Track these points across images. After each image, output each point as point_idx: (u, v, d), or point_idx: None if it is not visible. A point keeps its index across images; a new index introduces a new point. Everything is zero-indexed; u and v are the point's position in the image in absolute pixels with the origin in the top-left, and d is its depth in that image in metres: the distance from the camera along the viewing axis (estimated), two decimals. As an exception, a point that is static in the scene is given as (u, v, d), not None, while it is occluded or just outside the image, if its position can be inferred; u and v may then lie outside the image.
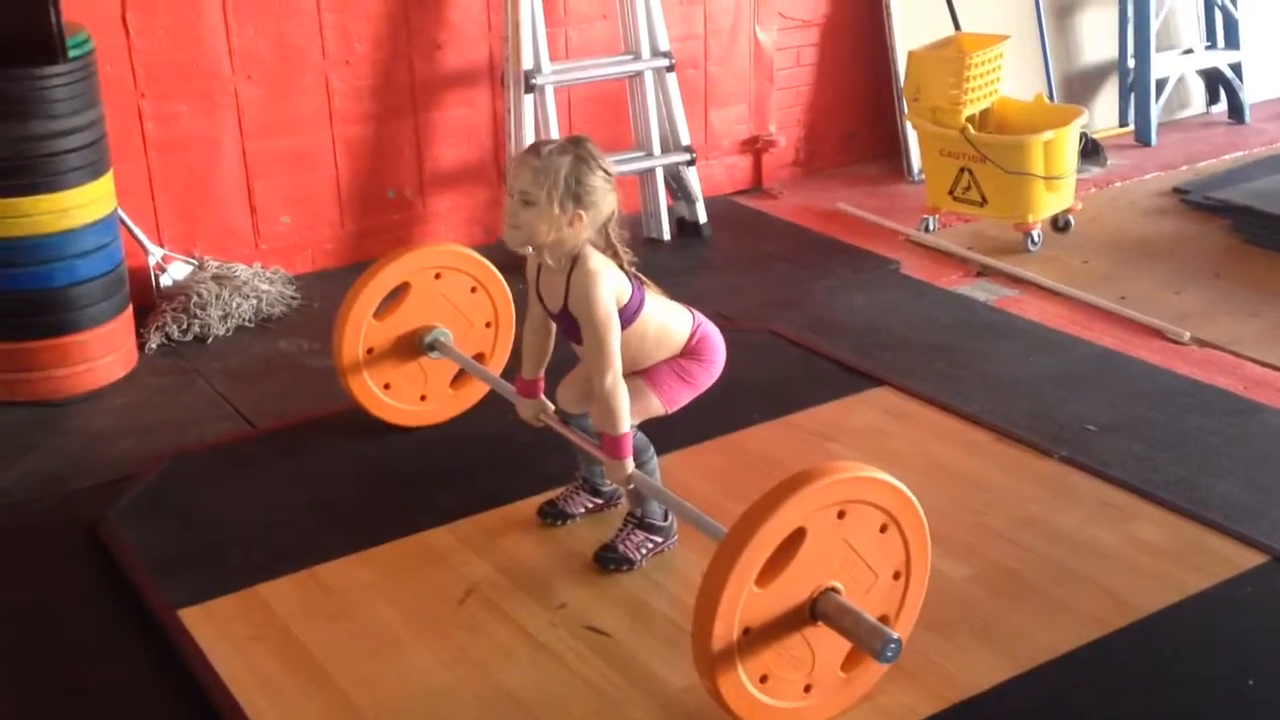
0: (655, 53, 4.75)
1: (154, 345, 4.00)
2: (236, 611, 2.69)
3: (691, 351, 2.77)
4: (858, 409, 3.50)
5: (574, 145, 2.60)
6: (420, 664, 2.53)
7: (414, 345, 3.33)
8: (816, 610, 2.25)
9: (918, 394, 3.54)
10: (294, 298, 4.32)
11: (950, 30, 5.10)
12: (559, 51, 4.79)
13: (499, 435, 3.29)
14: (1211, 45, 6.26)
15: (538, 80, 4.52)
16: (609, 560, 2.79)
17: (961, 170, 4.75)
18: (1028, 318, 4.19)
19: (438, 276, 3.32)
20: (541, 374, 2.89)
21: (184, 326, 4.05)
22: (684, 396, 2.78)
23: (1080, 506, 3.03)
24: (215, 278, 4.20)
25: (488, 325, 3.43)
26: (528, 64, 4.51)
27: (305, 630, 2.63)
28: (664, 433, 2.94)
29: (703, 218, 4.92)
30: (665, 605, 2.71)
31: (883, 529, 2.31)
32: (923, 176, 5.10)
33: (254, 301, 4.19)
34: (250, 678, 2.50)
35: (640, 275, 2.74)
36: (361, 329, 3.26)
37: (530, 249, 2.68)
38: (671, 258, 4.71)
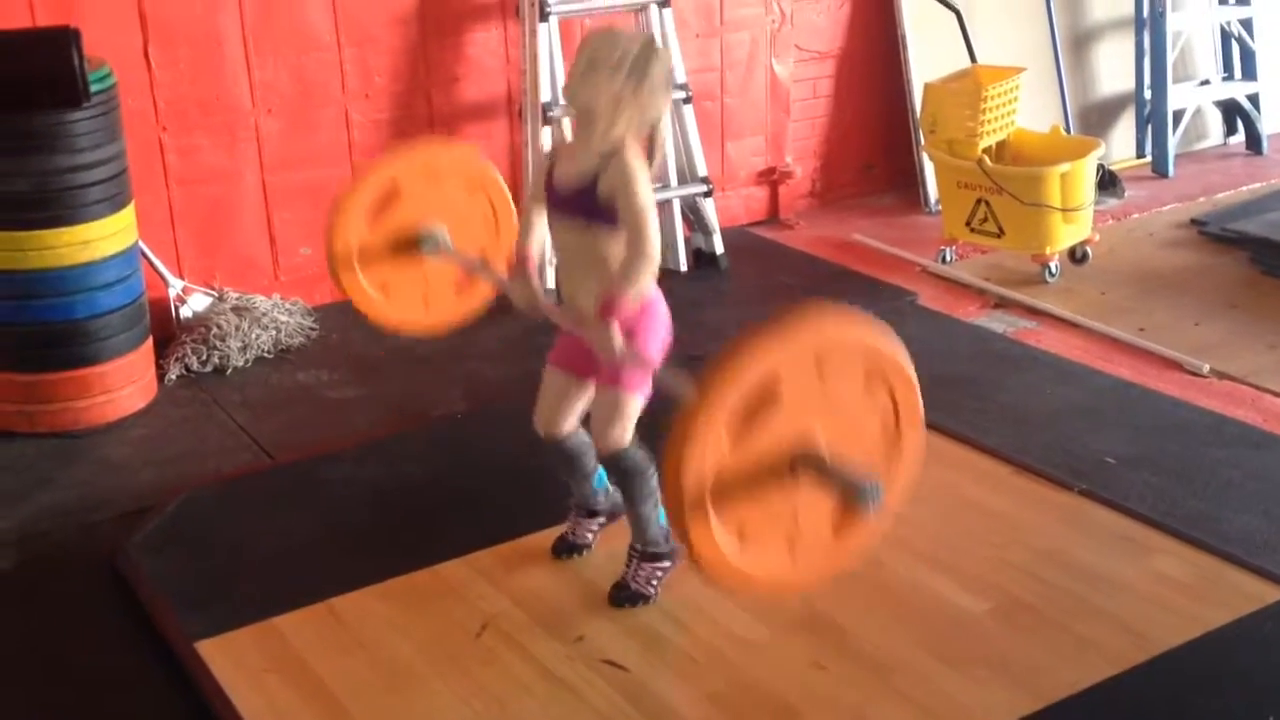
0: (672, 85, 4.77)
1: (174, 376, 4.01)
2: (253, 643, 2.69)
3: (643, 319, 2.66)
4: (875, 441, 3.48)
5: (650, 39, 2.66)
6: (436, 697, 2.53)
7: (411, 246, 3.13)
8: (797, 464, 2.16)
9: (935, 426, 3.48)
10: (313, 329, 4.34)
11: (966, 62, 5.11)
12: (576, 84, 4.80)
13: (515, 467, 3.29)
14: (1229, 76, 6.26)
15: (555, 112, 4.54)
16: (625, 600, 2.78)
17: (978, 202, 4.75)
18: (1045, 349, 4.18)
19: (432, 175, 3.17)
20: (535, 252, 2.82)
21: (203, 358, 4.07)
22: (648, 380, 2.67)
23: (1099, 540, 3.02)
24: (235, 309, 4.23)
25: (486, 224, 3.25)
26: (545, 96, 4.53)
27: (321, 663, 2.63)
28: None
29: (719, 249, 4.93)
30: (681, 638, 2.70)
31: (867, 383, 2.21)
32: (939, 208, 5.10)
33: (273, 333, 4.21)
34: (267, 710, 2.50)
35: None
36: (354, 228, 3.07)
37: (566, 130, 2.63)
38: (689, 289, 4.71)
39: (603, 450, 2.72)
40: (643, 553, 2.80)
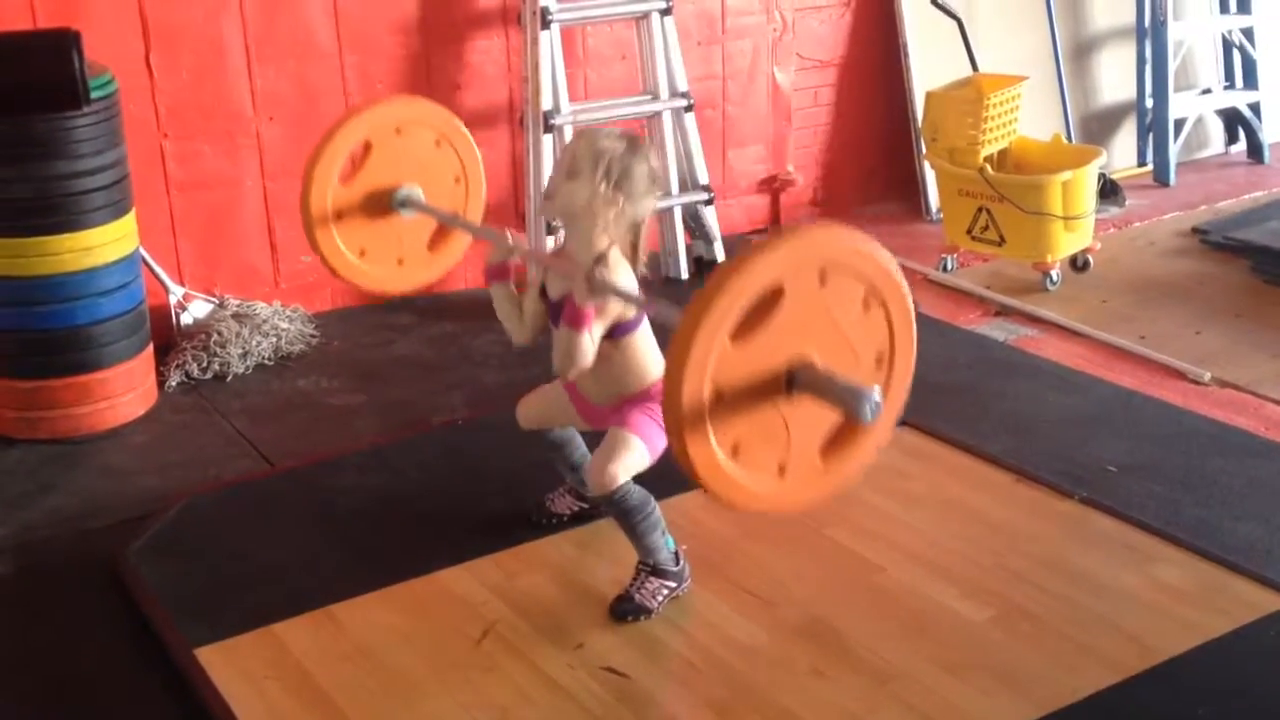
0: (674, 93, 4.78)
1: (174, 383, 4.01)
2: (253, 650, 2.69)
3: (658, 396, 2.72)
4: (876, 449, 3.48)
5: (632, 138, 2.68)
6: (437, 705, 2.53)
7: (384, 205, 3.11)
8: (793, 380, 2.14)
9: (936, 434, 3.52)
10: (313, 336, 4.34)
11: (968, 71, 5.11)
12: (578, 92, 4.82)
13: (516, 474, 3.29)
14: (1230, 85, 6.26)
15: (557, 121, 4.55)
16: (626, 611, 2.76)
17: (980, 210, 4.75)
18: (1047, 357, 4.18)
19: (399, 132, 3.11)
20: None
21: (204, 365, 4.07)
22: (662, 442, 2.72)
23: (1101, 548, 3.02)
24: (235, 316, 4.23)
25: (456, 180, 3.20)
26: (547, 105, 4.54)
27: (322, 670, 2.63)
28: (678, 474, 2.94)
29: (721, 257, 4.92)
30: (682, 646, 2.69)
31: (866, 304, 2.20)
32: (941, 216, 5.10)
33: (273, 340, 4.21)
34: (267, 717, 2.50)
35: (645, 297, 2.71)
36: (327, 192, 3.05)
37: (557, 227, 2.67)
38: (690, 297, 4.70)
39: (596, 489, 2.70)
40: (652, 568, 2.79)
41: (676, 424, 2.08)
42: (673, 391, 2.06)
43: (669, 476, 2.81)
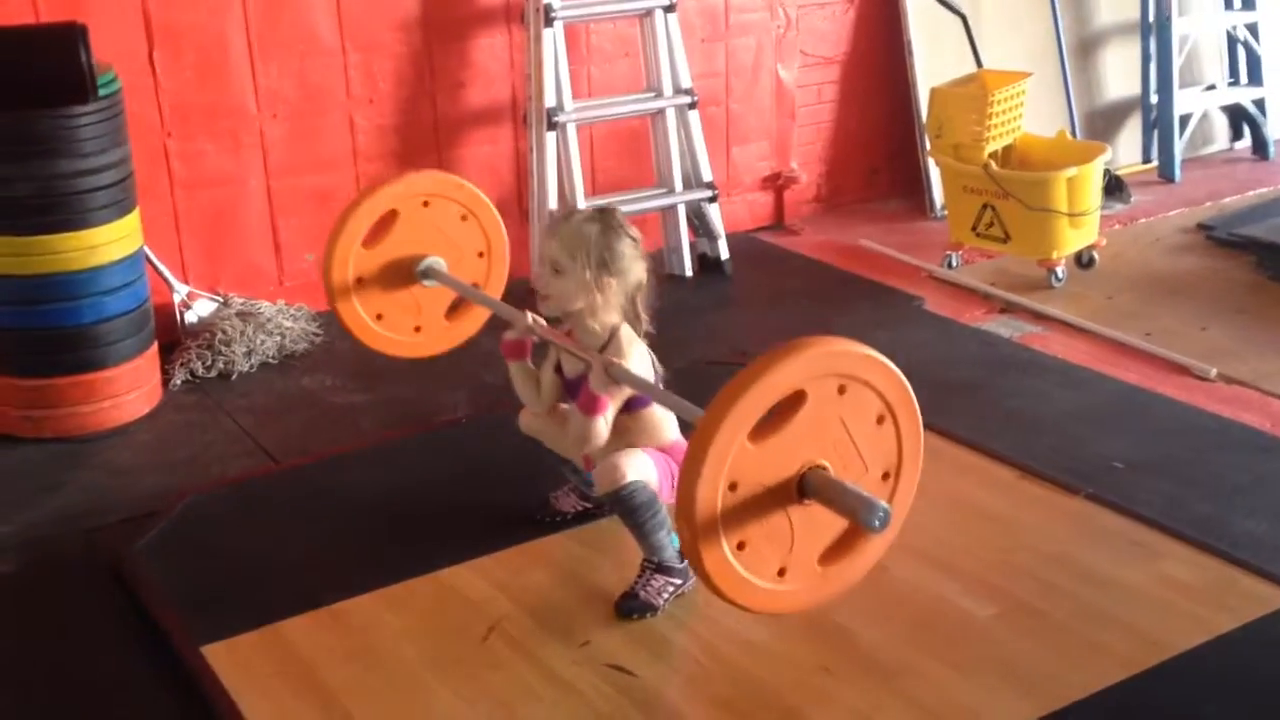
0: (677, 90, 4.77)
1: (178, 382, 4.01)
2: (258, 649, 2.69)
3: (671, 450, 2.81)
4: (881, 446, 3.48)
5: (601, 215, 2.73)
6: (442, 702, 2.52)
7: (406, 274, 3.21)
8: (805, 485, 2.18)
9: (941, 431, 3.51)
10: (317, 334, 4.34)
11: (972, 67, 5.11)
12: (581, 89, 4.81)
13: (520, 472, 3.28)
14: (1235, 81, 6.25)
15: (560, 118, 4.54)
16: (632, 609, 2.76)
17: (984, 207, 4.74)
18: (1052, 354, 4.17)
19: (426, 204, 3.19)
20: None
21: (208, 363, 4.07)
22: (664, 481, 2.77)
23: (1107, 545, 3.01)
24: (239, 314, 4.23)
25: (480, 255, 3.30)
26: (550, 102, 4.53)
27: (327, 667, 2.63)
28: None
29: (724, 254, 4.92)
30: (688, 642, 2.69)
31: (880, 420, 2.24)
32: (945, 213, 5.10)
33: (278, 338, 4.21)
34: (272, 715, 2.50)
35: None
36: (350, 257, 3.14)
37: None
38: (693, 294, 4.71)
39: (606, 485, 2.71)
40: (657, 565, 2.79)
41: (689, 514, 2.12)
42: (689, 482, 2.11)
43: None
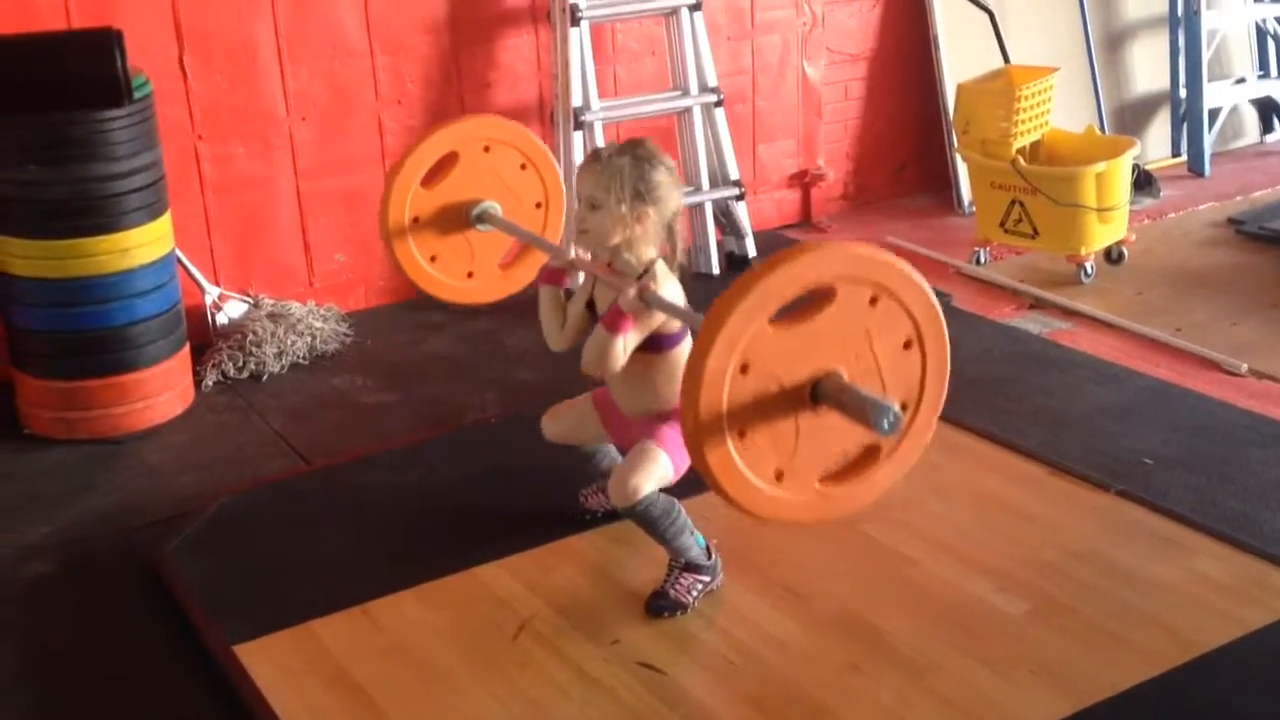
0: (703, 88, 4.77)
1: (210, 383, 4.04)
2: (291, 647, 2.71)
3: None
4: (910, 443, 3.47)
5: (633, 146, 2.69)
6: (473, 700, 2.54)
7: (462, 218, 3.20)
8: (818, 390, 2.12)
9: (971, 427, 3.51)
10: (347, 335, 4.36)
11: (1000, 63, 5.09)
12: (608, 88, 4.82)
13: (549, 471, 3.29)
14: (1264, 74, 6.21)
15: (587, 117, 4.55)
16: (662, 608, 2.76)
17: (1012, 202, 4.73)
18: (1081, 350, 4.15)
19: (487, 149, 3.20)
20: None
21: (239, 364, 4.10)
22: (686, 461, 2.71)
23: (1138, 541, 3.00)
24: (270, 316, 4.25)
25: (537, 206, 3.29)
26: (577, 101, 4.54)
27: (359, 666, 2.65)
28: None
29: (752, 252, 4.92)
30: (718, 640, 2.70)
31: (907, 345, 2.18)
32: (973, 209, 5.08)
33: (308, 339, 4.23)
34: (305, 713, 2.52)
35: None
36: (408, 195, 3.14)
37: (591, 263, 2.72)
38: (721, 292, 4.70)
39: (619, 500, 2.70)
40: (685, 564, 2.79)
41: (696, 384, 2.06)
42: (702, 352, 2.05)
43: (691, 477, 2.83)
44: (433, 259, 3.23)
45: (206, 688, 2.63)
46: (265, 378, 4.09)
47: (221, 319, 4.26)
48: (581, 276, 2.91)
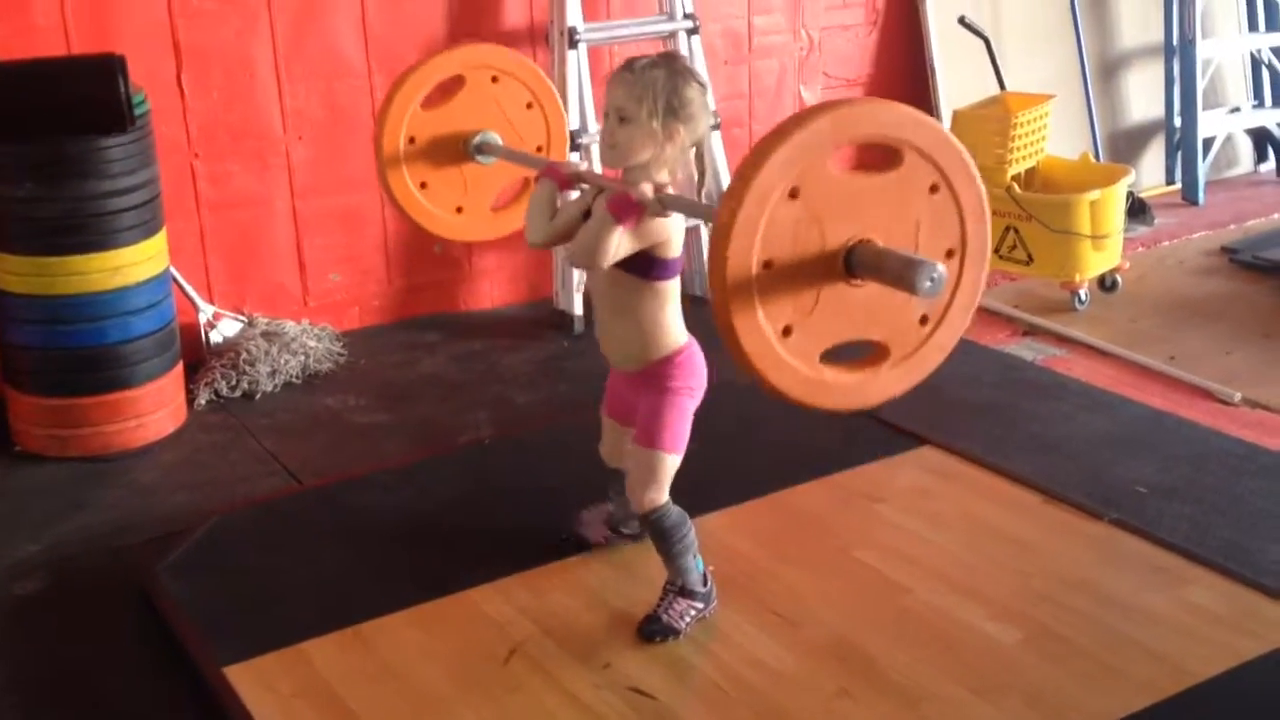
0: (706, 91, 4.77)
1: (203, 401, 4.04)
2: (281, 669, 2.69)
3: (677, 373, 2.68)
4: (902, 469, 3.47)
5: (668, 59, 2.56)
6: (464, 724, 2.53)
7: (458, 149, 3.08)
8: (853, 257, 2.00)
9: (963, 454, 3.51)
10: (341, 354, 4.36)
11: (995, 89, 5.11)
12: (605, 111, 4.83)
13: (542, 493, 3.29)
14: (1259, 104, 6.25)
15: (584, 140, 4.56)
16: (654, 632, 2.75)
17: (1007, 229, 4.74)
18: (1075, 377, 4.16)
19: (495, 80, 3.08)
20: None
21: (233, 383, 4.09)
22: (684, 431, 2.70)
23: (1131, 570, 2.99)
24: (264, 335, 4.25)
25: (539, 150, 3.17)
26: (573, 125, 4.53)
27: (349, 688, 2.63)
28: (705, 493, 2.94)
29: (747, 276, 4.91)
30: (709, 667, 2.69)
31: (949, 254, 2.08)
32: (968, 235, 5.08)
33: (302, 358, 4.23)
34: (294, 736, 2.50)
35: None
36: (406, 113, 3.02)
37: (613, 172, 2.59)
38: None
39: (637, 509, 2.72)
40: (680, 589, 2.78)
41: (744, 184, 1.94)
42: (762, 154, 1.93)
43: (696, 494, 2.83)
44: (423, 185, 3.11)
45: (195, 709, 2.61)
46: (258, 397, 4.09)
47: (215, 337, 4.25)
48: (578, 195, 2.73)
